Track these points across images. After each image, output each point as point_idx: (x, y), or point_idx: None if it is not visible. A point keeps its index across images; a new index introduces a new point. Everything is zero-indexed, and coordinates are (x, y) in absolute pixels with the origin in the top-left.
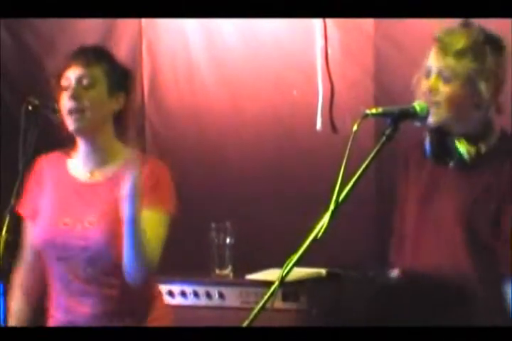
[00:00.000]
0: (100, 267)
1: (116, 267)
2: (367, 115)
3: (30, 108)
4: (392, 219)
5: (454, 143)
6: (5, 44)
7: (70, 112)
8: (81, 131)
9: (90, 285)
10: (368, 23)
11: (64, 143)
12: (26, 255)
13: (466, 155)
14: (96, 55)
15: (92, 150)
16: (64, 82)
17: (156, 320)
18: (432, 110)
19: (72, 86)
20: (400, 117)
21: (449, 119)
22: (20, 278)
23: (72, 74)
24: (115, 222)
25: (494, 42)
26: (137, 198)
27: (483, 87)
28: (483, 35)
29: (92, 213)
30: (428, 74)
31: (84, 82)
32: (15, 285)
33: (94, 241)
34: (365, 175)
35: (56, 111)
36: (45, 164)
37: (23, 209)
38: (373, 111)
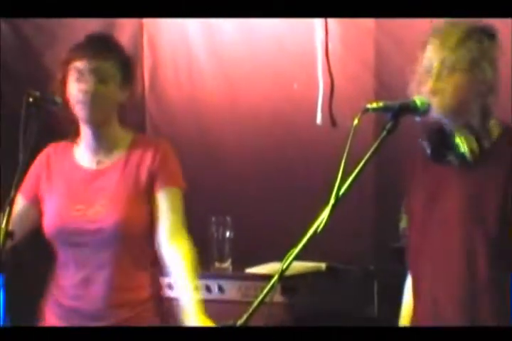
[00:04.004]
0: (113, 251)
1: (128, 251)
2: (367, 109)
3: (30, 100)
4: (393, 215)
5: (455, 141)
6: (5, 36)
7: (84, 104)
8: (92, 121)
9: (101, 271)
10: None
11: (66, 133)
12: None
13: (467, 153)
14: (107, 47)
15: (98, 140)
16: (74, 73)
17: (146, 311)
18: (436, 98)
19: (85, 78)
20: (400, 111)
21: (451, 109)
22: None
23: (83, 66)
24: (127, 202)
25: (487, 30)
26: None
27: (488, 70)
28: (474, 25)
29: (104, 197)
30: (430, 67)
31: (99, 75)
32: None
33: (106, 222)
34: (365, 170)
35: (57, 103)
36: (53, 153)
37: (24, 191)
38: (374, 105)
